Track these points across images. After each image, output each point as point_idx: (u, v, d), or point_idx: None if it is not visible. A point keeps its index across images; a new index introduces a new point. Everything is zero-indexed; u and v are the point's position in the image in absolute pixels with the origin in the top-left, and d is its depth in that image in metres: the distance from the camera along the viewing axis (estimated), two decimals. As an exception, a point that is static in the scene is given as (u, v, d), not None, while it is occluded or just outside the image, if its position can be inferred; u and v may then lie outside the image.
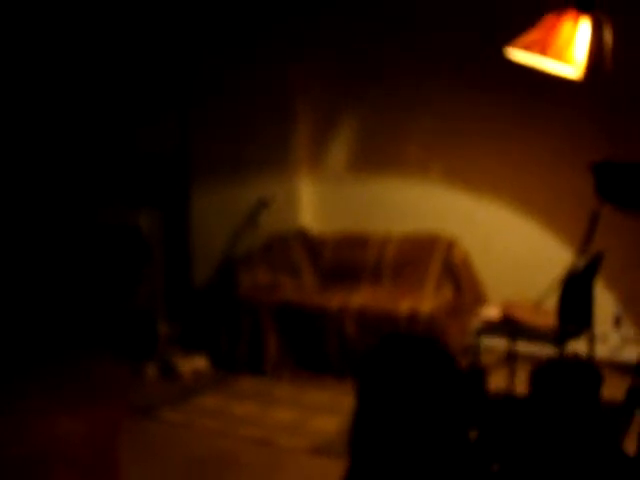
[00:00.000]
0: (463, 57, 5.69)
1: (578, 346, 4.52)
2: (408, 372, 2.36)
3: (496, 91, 5.58)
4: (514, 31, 3.45)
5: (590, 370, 2.54)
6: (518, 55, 3.41)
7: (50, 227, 6.71)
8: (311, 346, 5.51)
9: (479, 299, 5.55)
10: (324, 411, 4.83)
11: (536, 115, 5.52)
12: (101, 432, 4.53)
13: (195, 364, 5.71)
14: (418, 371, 2.35)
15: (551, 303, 4.41)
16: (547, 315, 4.34)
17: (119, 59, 6.65)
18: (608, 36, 3.41)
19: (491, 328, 4.47)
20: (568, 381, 2.49)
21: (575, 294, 4.22)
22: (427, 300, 5.38)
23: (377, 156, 6.22)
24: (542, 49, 3.32)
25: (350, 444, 2.44)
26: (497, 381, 4.65)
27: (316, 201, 6.41)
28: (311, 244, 6.17)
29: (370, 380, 2.42)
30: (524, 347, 4.75)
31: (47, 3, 6.41)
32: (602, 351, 5.05)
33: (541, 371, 2.57)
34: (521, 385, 4.34)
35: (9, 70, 6.47)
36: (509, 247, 5.73)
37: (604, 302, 5.18)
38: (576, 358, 2.83)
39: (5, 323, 6.27)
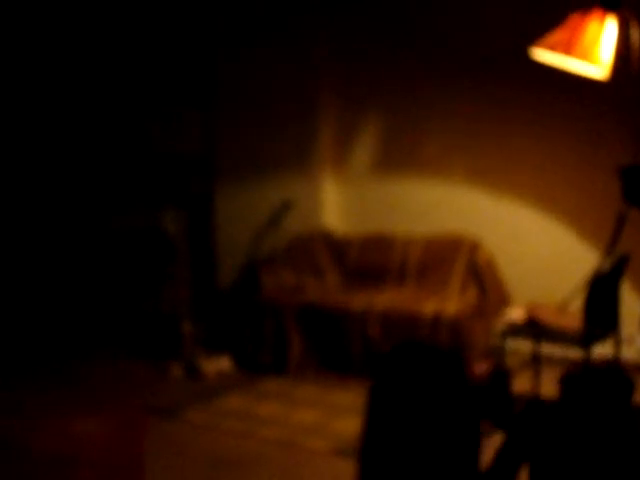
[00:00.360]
0: (486, 57, 5.67)
1: (604, 349, 4.48)
2: (418, 383, 2.36)
3: (519, 91, 5.55)
4: (538, 31, 3.44)
5: (622, 377, 2.51)
6: (543, 55, 3.39)
7: (77, 229, 6.75)
8: (335, 347, 5.50)
9: (503, 301, 5.51)
10: (348, 412, 4.81)
11: (560, 114, 5.48)
12: (124, 433, 4.53)
13: (219, 365, 5.72)
14: (427, 383, 2.35)
15: (576, 305, 4.38)
16: (572, 317, 4.30)
17: (143, 60, 6.68)
18: (635, 35, 3.39)
19: (516, 330, 4.43)
20: (600, 388, 2.46)
21: (601, 296, 4.18)
22: (451, 302, 5.35)
23: (400, 157, 6.21)
24: (567, 49, 3.30)
25: (361, 450, 2.44)
26: (522, 383, 4.63)
27: (340, 202, 6.40)
28: (335, 245, 6.16)
29: (381, 388, 2.42)
30: (549, 349, 4.72)
31: (68, 4, 6.45)
32: (628, 353, 5.00)
33: (572, 377, 2.54)
34: (546, 388, 4.31)
35: (31, 72, 6.52)
36: (533, 248, 5.69)
37: (630, 304, 5.12)
38: (607, 364, 2.79)
39: (30, 323, 6.33)
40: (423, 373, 2.40)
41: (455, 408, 2.37)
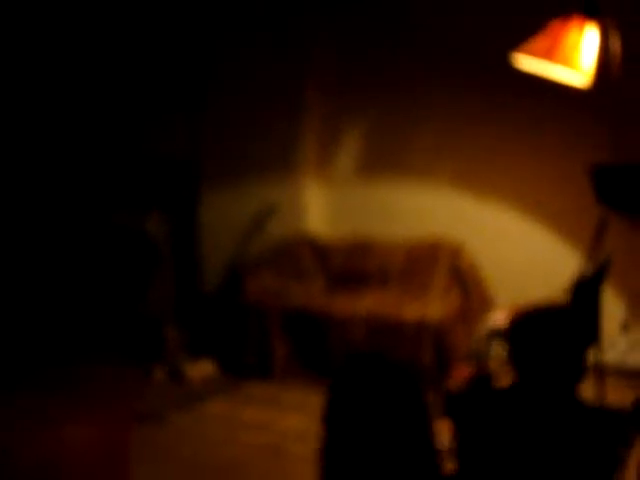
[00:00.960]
0: (471, 61, 5.69)
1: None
2: (371, 395, 2.38)
3: (504, 95, 5.58)
4: (522, 35, 3.45)
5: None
6: (524, 62, 3.41)
7: (59, 231, 6.72)
8: (319, 351, 5.51)
9: (486, 304, 5.54)
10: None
11: (544, 119, 5.52)
12: (110, 438, 4.53)
13: (203, 369, 5.72)
14: (381, 395, 2.37)
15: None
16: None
17: (129, 62, 6.67)
18: (615, 43, 3.41)
19: (498, 334, 4.45)
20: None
21: (583, 301, 4.20)
22: (435, 306, 5.37)
23: (384, 160, 6.22)
24: (548, 56, 3.31)
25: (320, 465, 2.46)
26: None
27: (323, 205, 6.41)
28: (319, 249, 6.17)
29: (336, 403, 2.45)
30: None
31: (62, 7, 6.43)
32: (610, 357, 5.02)
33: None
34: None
35: (20, 73, 6.49)
36: (516, 251, 5.72)
37: (612, 306, 5.16)
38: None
39: (10, 327, 6.29)
40: (377, 386, 2.42)
41: (408, 420, 2.40)
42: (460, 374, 4.31)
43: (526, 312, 2.61)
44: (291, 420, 4.85)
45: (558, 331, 2.50)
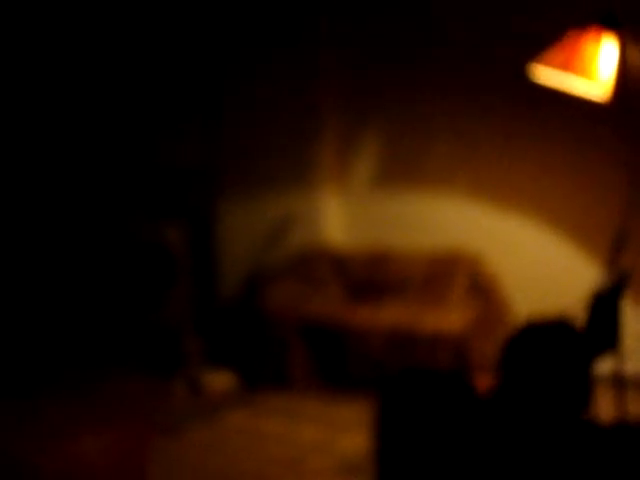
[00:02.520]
0: (490, 71, 5.67)
1: (605, 364, 4.46)
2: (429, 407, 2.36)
3: (521, 105, 5.56)
4: (540, 45, 3.42)
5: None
6: (541, 73, 3.38)
7: (77, 242, 6.75)
8: (337, 362, 5.50)
9: (505, 315, 5.51)
10: (351, 429, 4.81)
11: (562, 130, 5.49)
12: (128, 451, 4.54)
13: (222, 380, 5.72)
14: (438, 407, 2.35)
15: (578, 320, 4.36)
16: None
17: (147, 74, 6.70)
18: (633, 54, 3.38)
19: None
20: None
21: (602, 314, 4.16)
22: (454, 317, 5.35)
23: (402, 170, 6.21)
24: (565, 67, 3.29)
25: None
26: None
27: (341, 216, 6.40)
28: (337, 260, 6.16)
29: (391, 411, 2.43)
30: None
31: (72, 15, 6.47)
32: (629, 367, 4.98)
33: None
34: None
35: (39, 85, 6.53)
36: (535, 262, 5.69)
37: (631, 316, 5.11)
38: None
39: (29, 339, 6.32)
40: (434, 397, 2.41)
41: (465, 429, 2.38)
42: (481, 385, 4.29)
43: (522, 328, 2.56)
44: (310, 432, 4.85)
45: (555, 348, 2.45)
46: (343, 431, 4.81)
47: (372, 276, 5.99)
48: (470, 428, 2.44)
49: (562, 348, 2.45)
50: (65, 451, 4.47)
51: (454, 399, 2.42)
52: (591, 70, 3.27)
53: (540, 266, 5.68)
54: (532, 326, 2.55)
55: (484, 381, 4.46)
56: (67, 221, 6.76)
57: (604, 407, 4.24)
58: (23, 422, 4.97)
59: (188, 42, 6.54)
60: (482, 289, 5.61)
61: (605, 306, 4.20)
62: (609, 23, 3.32)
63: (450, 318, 5.32)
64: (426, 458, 2.40)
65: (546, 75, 3.36)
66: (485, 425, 2.58)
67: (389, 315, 5.48)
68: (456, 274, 5.70)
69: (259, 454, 4.57)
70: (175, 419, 5.11)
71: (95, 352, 6.39)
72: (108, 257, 6.73)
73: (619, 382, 4.26)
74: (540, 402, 2.42)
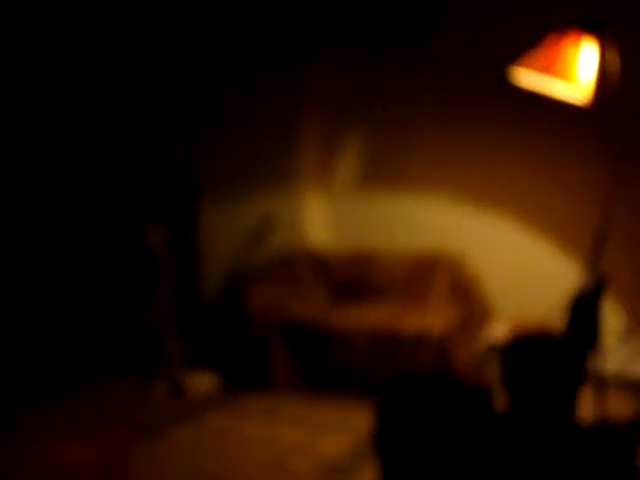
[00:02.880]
0: (471, 74, 5.69)
1: (586, 364, 4.49)
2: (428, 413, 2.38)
3: (504, 108, 5.58)
4: (522, 47, 3.44)
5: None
6: (521, 76, 3.40)
7: (59, 243, 6.72)
8: (319, 364, 5.50)
9: (487, 316, 5.53)
10: (333, 431, 4.82)
11: (543, 132, 5.52)
12: (109, 454, 4.53)
13: (204, 382, 5.71)
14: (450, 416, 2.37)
15: (558, 322, 4.39)
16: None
17: (128, 76, 6.67)
18: (613, 57, 3.39)
19: (497, 349, 4.45)
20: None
21: (583, 316, 4.19)
22: (435, 317, 5.37)
23: (384, 172, 6.22)
24: (545, 71, 3.30)
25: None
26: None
27: (324, 217, 6.41)
28: (319, 261, 6.17)
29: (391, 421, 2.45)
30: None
31: (56, 23, 6.44)
32: (610, 366, 5.02)
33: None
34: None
35: (15, 87, 6.50)
36: (517, 263, 5.72)
37: (612, 316, 5.16)
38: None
39: (8, 341, 6.29)
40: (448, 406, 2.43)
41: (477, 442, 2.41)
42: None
43: (520, 337, 2.62)
44: (292, 434, 4.84)
45: (552, 360, 2.50)
46: (325, 433, 4.81)
47: (354, 277, 6.00)
48: (483, 441, 2.46)
49: (558, 360, 2.52)
50: (45, 454, 4.45)
51: (469, 412, 2.44)
52: (571, 73, 3.28)
53: (521, 267, 5.71)
54: (524, 342, 2.61)
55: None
56: (49, 223, 6.73)
57: (584, 407, 4.27)
58: (1, 426, 4.95)
59: (168, 44, 6.52)
60: (464, 290, 5.63)
61: (585, 307, 4.22)
62: (588, 26, 3.34)
63: (432, 319, 5.34)
64: (428, 466, 2.42)
65: (527, 78, 3.38)
66: (498, 438, 2.61)
67: (371, 316, 5.49)
68: (438, 275, 5.73)
69: (241, 456, 4.56)
70: (156, 421, 5.10)
71: (77, 353, 6.37)
72: (91, 259, 6.70)
73: (599, 382, 4.28)
74: (547, 412, 2.46)
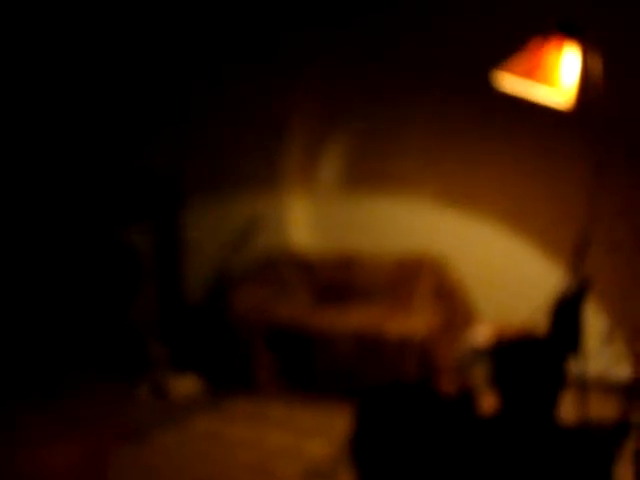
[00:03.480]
0: (455, 77, 5.71)
1: (568, 366, 4.52)
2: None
3: (488, 111, 5.59)
4: (507, 51, 3.45)
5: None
6: (504, 81, 3.41)
7: (41, 244, 6.69)
8: (304, 366, 5.51)
9: (470, 319, 5.55)
10: (317, 434, 4.82)
11: (528, 135, 5.54)
12: (91, 458, 4.51)
13: (188, 385, 5.70)
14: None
15: (541, 325, 4.41)
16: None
17: (114, 76, 6.66)
18: (594, 63, 3.41)
19: (481, 352, 4.45)
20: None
21: (565, 318, 4.21)
22: (419, 320, 5.38)
23: (369, 175, 6.23)
24: (528, 75, 3.32)
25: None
26: (489, 403, 4.65)
27: (308, 220, 6.41)
28: (303, 264, 6.17)
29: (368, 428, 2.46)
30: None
31: (47, 24, 6.42)
32: (592, 369, 5.04)
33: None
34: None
35: (8, 87, 6.48)
36: (499, 267, 5.74)
37: (594, 318, 5.18)
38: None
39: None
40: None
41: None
42: (444, 390, 4.32)
43: (509, 339, 2.65)
44: (276, 437, 4.84)
45: (539, 361, 2.53)
46: (310, 436, 4.81)
47: (339, 280, 6.00)
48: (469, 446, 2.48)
49: (543, 361, 2.55)
50: (27, 457, 4.43)
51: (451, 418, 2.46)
52: (553, 78, 3.30)
53: (504, 270, 5.73)
54: (511, 345, 2.65)
55: (446, 386, 4.50)
56: (31, 223, 6.70)
57: (567, 409, 4.29)
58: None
59: (156, 46, 6.51)
60: (447, 293, 5.65)
61: (568, 310, 4.24)
62: (570, 31, 3.36)
63: (415, 322, 5.35)
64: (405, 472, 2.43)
65: (510, 83, 3.39)
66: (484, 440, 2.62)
67: (355, 319, 5.49)
68: (421, 278, 5.74)
69: (225, 459, 4.55)
70: (139, 424, 5.08)
71: (59, 356, 6.34)
72: (73, 259, 6.68)
73: (582, 384, 4.30)
74: (530, 414, 2.49)
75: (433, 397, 2.52)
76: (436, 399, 2.50)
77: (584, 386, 4.32)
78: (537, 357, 2.56)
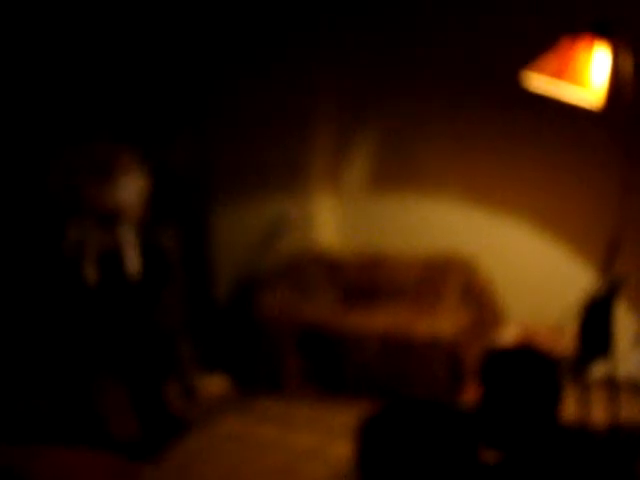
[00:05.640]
0: (485, 76, 5.67)
1: (598, 368, 4.48)
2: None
3: (517, 110, 5.55)
4: (535, 50, 3.42)
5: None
6: (534, 80, 3.38)
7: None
8: (331, 368, 5.50)
9: (498, 319, 5.52)
10: (344, 435, 4.81)
11: (558, 135, 5.50)
12: (119, 460, 4.52)
13: (216, 385, 5.71)
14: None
15: (570, 327, 4.38)
16: (567, 340, 4.31)
17: (138, 76, 6.68)
18: (625, 63, 3.38)
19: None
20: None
21: (596, 321, 4.17)
22: (447, 321, 5.35)
23: (396, 174, 6.21)
24: (557, 75, 3.29)
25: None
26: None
27: (335, 220, 6.40)
28: (330, 264, 6.16)
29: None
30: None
31: (61, 24, 6.45)
32: (622, 372, 4.99)
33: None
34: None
35: (20, 88, 6.52)
36: (528, 267, 5.71)
37: (625, 320, 5.13)
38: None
39: (15, 344, 6.29)
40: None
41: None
42: (472, 391, 4.30)
43: (496, 352, 2.66)
44: (304, 438, 4.84)
45: (524, 369, 2.53)
46: (337, 437, 4.80)
47: (366, 281, 5.99)
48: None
49: (530, 368, 2.57)
50: (56, 462, 4.45)
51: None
52: (584, 78, 3.27)
53: (534, 271, 5.69)
54: (504, 352, 2.67)
55: (474, 387, 4.47)
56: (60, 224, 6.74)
57: (598, 411, 4.25)
58: (15, 431, 4.95)
59: (180, 45, 6.53)
60: (476, 293, 5.62)
61: (598, 311, 4.21)
62: (601, 30, 3.33)
63: (444, 322, 5.32)
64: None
65: (539, 82, 3.37)
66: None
67: (383, 320, 5.48)
68: (450, 278, 5.71)
69: (252, 461, 4.56)
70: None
71: (86, 357, 6.37)
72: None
73: (612, 386, 4.27)
74: (517, 411, 2.49)
75: (439, 419, 2.51)
76: (442, 424, 2.49)
77: (614, 387, 4.28)
78: (527, 370, 2.55)
